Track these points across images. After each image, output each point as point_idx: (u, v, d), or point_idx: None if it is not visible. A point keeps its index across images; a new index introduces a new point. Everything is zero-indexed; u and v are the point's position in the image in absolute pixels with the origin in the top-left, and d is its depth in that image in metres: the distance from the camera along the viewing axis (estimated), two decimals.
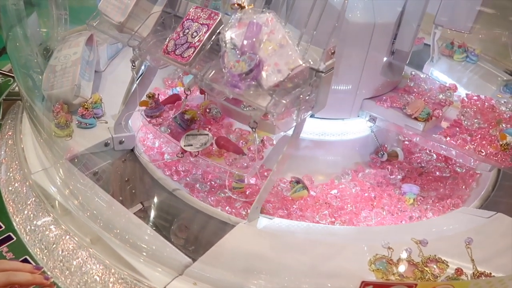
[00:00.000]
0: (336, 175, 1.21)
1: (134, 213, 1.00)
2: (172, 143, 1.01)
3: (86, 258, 0.81)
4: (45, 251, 0.84)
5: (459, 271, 0.81)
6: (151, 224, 0.96)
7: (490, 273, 0.80)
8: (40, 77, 1.18)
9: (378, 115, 1.17)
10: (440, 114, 1.10)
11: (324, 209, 1.09)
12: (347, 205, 1.11)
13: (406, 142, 1.33)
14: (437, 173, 1.25)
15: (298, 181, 1.12)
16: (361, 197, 1.14)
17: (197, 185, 1.09)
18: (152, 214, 1.02)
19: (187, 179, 1.11)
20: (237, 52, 0.74)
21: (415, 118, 1.08)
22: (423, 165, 1.28)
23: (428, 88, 1.22)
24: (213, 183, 1.11)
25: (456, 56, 1.58)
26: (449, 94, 1.20)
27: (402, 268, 0.82)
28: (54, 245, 0.84)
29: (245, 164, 0.93)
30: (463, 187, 1.19)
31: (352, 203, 1.11)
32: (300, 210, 1.07)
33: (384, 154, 1.25)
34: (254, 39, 0.74)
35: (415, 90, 1.21)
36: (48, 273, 0.80)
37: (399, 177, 1.21)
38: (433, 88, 1.22)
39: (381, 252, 0.84)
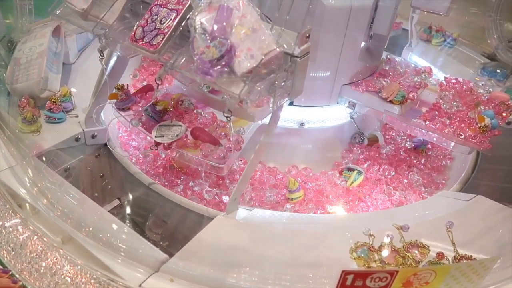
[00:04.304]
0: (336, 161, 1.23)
1: (111, 209, 0.96)
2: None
3: (57, 259, 0.77)
4: (13, 253, 0.79)
5: (440, 255, 0.80)
6: (127, 220, 0.93)
7: (471, 256, 0.80)
8: (3, 71, 1.12)
9: (357, 101, 1.15)
10: (415, 97, 1.10)
11: (381, 187, 1.12)
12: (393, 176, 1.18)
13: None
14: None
15: (350, 169, 1.11)
16: (392, 168, 1.19)
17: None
18: (128, 209, 0.98)
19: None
20: (207, 37, 0.70)
21: (391, 101, 1.08)
22: None
23: (403, 71, 1.22)
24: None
25: (434, 41, 1.58)
26: (424, 76, 1.19)
27: (384, 253, 0.81)
28: (22, 247, 0.80)
29: (222, 155, 0.90)
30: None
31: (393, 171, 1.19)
32: (370, 196, 1.09)
33: (364, 139, 1.25)
34: (224, 24, 0.71)
35: (390, 73, 1.20)
36: (17, 275, 0.76)
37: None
38: (408, 71, 1.22)
39: (363, 239, 0.82)
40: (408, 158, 1.22)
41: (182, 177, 1.09)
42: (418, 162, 1.22)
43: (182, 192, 1.04)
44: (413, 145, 1.25)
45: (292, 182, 1.02)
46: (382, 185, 1.13)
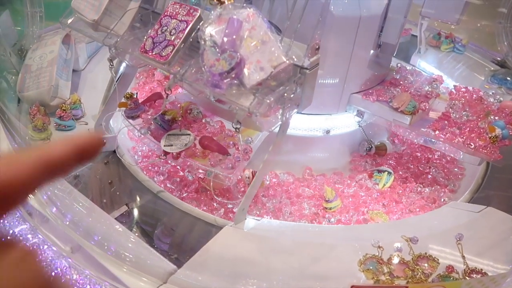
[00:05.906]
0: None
1: (119, 216, 0.96)
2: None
3: (66, 269, 0.77)
4: None
5: (450, 269, 0.80)
6: (135, 228, 0.93)
7: (481, 269, 0.79)
8: (15, 78, 1.13)
9: (366, 110, 1.15)
10: (427, 107, 1.08)
11: (411, 186, 1.13)
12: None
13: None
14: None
15: (379, 170, 1.10)
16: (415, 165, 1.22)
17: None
18: (136, 217, 0.98)
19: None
20: (217, 50, 0.71)
21: (402, 112, 1.07)
22: None
23: (414, 80, 1.21)
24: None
25: (444, 47, 1.57)
26: (435, 85, 1.18)
27: (393, 266, 0.80)
28: None
29: (230, 165, 0.90)
30: None
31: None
32: (404, 196, 1.09)
33: (372, 147, 1.24)
34: (234, 36, 0.71)
35: (401, 82, 1.19)
36: None
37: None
38: (419, 80, 1.21)
39: (371, 251, 0.82)
40: (425, 155, 1.25)
41: (219, 199, 1.02)
42: (432, 157, 1.24)
43: (223, 215, 1.01)
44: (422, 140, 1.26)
45: (329, 192, 1.01)
46: (410, 183, 1.14)
